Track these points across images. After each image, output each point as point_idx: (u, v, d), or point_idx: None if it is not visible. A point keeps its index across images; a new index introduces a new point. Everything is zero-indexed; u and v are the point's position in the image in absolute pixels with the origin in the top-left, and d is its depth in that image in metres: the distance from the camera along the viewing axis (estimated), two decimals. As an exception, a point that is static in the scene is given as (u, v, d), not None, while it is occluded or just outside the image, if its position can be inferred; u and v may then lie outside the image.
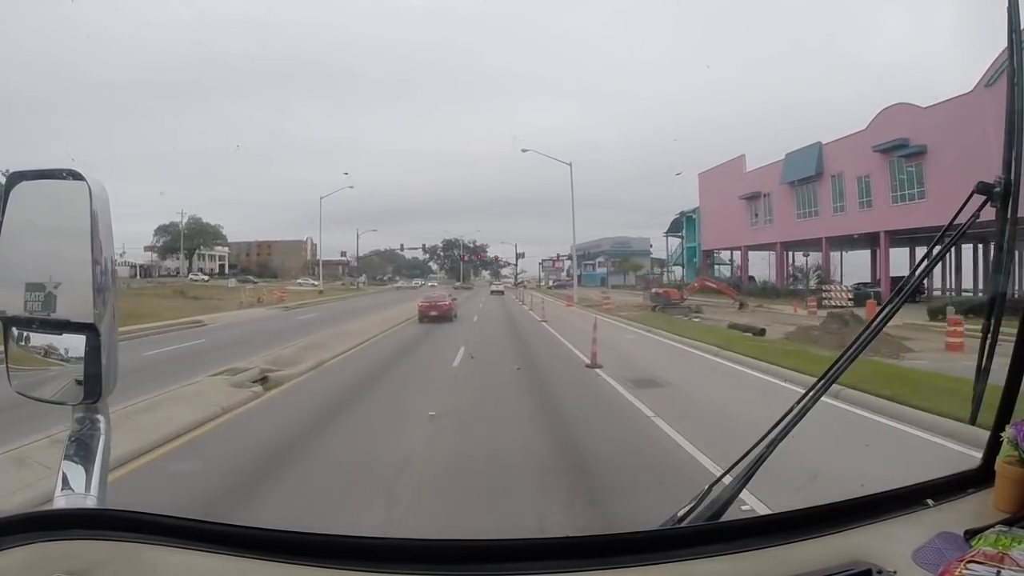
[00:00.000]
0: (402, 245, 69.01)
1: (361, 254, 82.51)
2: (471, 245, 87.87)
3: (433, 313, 21.46)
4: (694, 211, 50.24)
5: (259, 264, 73.28)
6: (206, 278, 56.33)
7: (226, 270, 68.47)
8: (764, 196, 38.61)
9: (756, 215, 39.97)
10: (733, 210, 40.90)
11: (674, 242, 58.41)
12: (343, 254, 72.16)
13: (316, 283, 57.82)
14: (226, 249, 71.94)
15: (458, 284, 61.12)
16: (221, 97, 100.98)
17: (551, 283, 77.21)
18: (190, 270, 61.97)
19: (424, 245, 71.40)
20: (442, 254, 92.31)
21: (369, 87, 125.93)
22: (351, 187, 50.17)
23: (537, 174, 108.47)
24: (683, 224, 54.08)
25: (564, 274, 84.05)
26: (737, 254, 45.77)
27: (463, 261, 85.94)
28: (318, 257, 72.98)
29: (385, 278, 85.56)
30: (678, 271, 57.46)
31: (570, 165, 32.99)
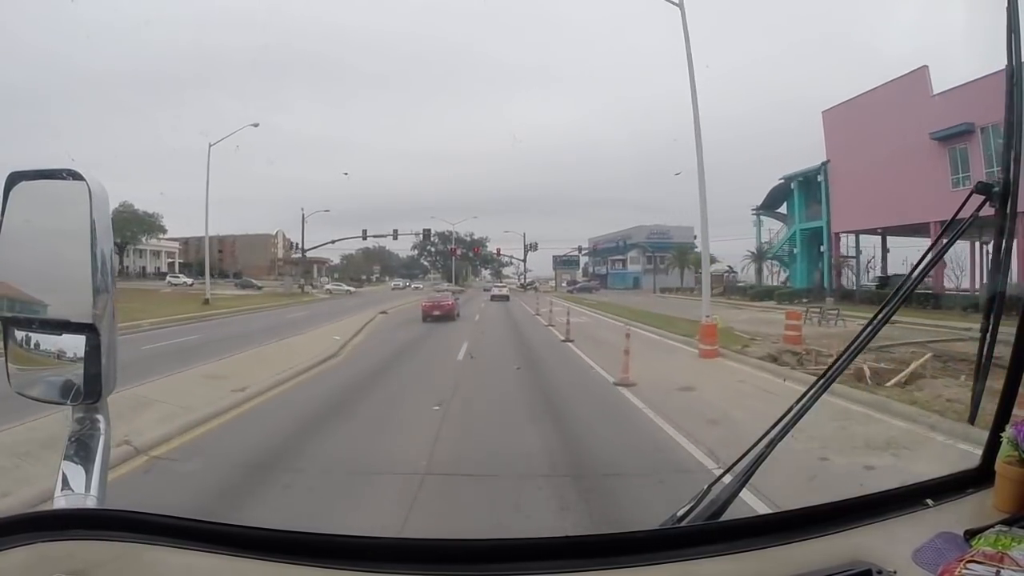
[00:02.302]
0: (364, 232, 50.11)
1: (349, 252, 72.01)
2: (468, 238, 71.28)
3: (436, 313, 21.57)
4: (815, 173, 31.26)
5: (198, 261, 59.68)
6: (189, 282, 46.91)
7: (176, 268, 58.42)
8: (983, 131, 21.30)
9: (966, 166, 22.41)
10: (909, 162, 23.82)
11: (771, 228, 39.89)
12: (293, 246, 55.94)
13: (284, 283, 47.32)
14: (175, 244, 60.90)
15: (443, 287, 43.64)
16: (217, 94, 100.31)
17: (565, 285, 61.63)
18: (122, 267, 51.96)
19: (395, 231, 51.47)
20: (433, 249, 75.95)
21: (363, 82, 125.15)
22: (255, 124, 39.72)
23: (539, 170, 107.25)
24: (791, 195, 34.64)
25: (580, 273, 68.34)
26: (862, 240, 29.62)
27: (454, 256, 67.90)
28: (245, 252, 61.17)
29: (373, 278, 73.19)
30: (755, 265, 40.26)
31: (680, 4, 14.93)
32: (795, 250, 34.82)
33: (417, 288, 57.19)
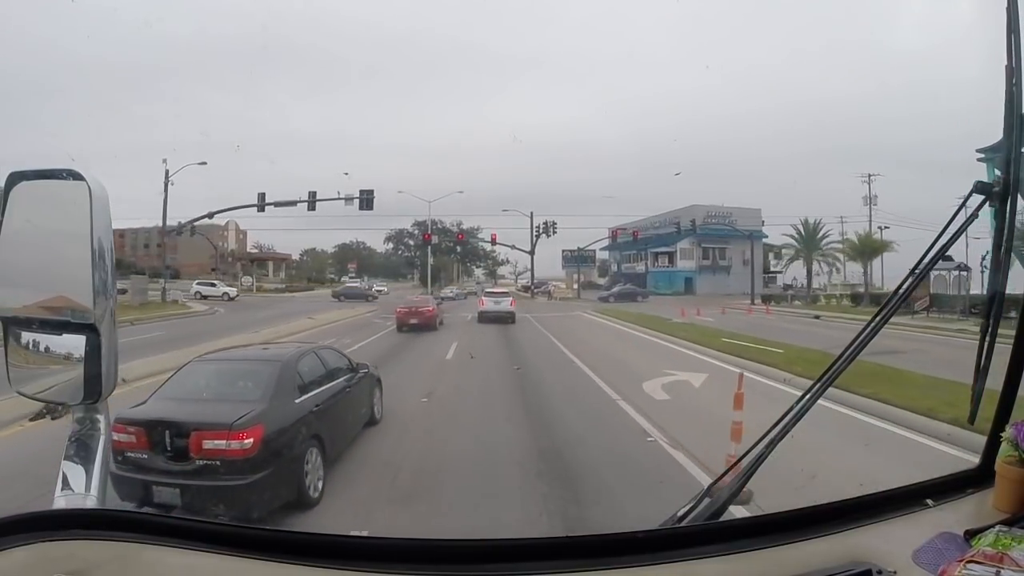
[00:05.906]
0: (262, 196, 33.27)
1: (312, 247, 59.16)
2: (453, 228, 53.11)
3: (413, 321, 17.34)
4: None
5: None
6: (233, 293, 35.60)
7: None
8: None
9: None
10: None
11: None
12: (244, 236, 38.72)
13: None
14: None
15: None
16: (201, 86, 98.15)
17: (576, 286, 45.89)
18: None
19: (312, 193, 32.99)
20: (412, 242, 57.67)
21: (357, 75, 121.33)
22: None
23: (537, 167, 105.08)
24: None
25: (596, 271, 53.11)
26: None
27: (427, 242, 46.71)
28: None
29: (344, 280, 53.10)
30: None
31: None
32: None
33: (381, 292, 40.60)
